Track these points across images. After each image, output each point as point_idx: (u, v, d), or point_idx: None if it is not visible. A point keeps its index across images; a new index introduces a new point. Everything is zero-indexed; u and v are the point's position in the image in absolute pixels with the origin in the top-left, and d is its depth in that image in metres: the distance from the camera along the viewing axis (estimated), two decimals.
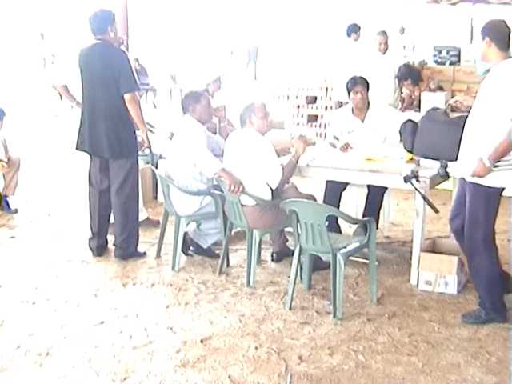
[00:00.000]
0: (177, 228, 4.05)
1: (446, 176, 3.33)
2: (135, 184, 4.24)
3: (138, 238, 4.33)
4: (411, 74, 6.35)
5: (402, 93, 6.50)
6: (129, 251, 4.28)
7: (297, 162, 3.76)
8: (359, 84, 4.39)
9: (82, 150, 4.26)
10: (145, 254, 4.35)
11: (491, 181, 3.08)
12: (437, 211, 3.50)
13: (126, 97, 4.01)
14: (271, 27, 13.78)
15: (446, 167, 3.29)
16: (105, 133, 4.08)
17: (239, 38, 14.92)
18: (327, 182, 4.46)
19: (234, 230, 4.10)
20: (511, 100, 2.97)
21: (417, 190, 3.47)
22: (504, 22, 3.13)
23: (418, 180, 3.37)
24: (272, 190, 3.74)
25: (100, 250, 4.34)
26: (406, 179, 3.45)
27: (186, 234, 4.15)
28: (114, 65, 4.00)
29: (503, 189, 3.14)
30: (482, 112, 3.09)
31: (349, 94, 4.47)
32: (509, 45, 3.13)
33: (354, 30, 6.83)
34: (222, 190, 3.92)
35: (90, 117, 4.13)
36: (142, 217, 4.72)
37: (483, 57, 3.16)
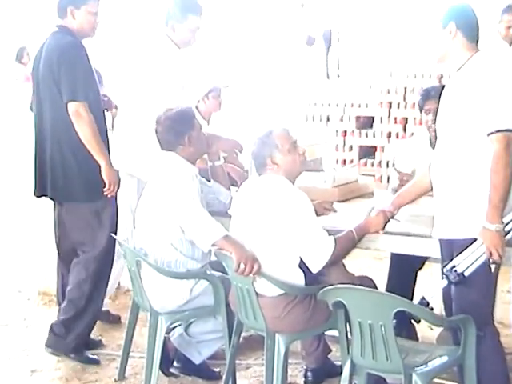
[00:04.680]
0: (153, 332, 4.08)
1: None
2: (104, 242, 4.44)
3: (90, 329, 4.54)
4: None
5: None
6: (66, 343, 4.48)
7: (359, 239, 3.82)
8: (433, 98, 4.48)
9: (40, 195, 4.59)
10: (97, 361, 4.50)
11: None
12: None
13: (69, 108, 4.28)
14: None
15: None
16: (49, 163, 4.38)
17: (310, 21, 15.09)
18: (393, 255, 4.51)
19: (243, 335, 4.14)
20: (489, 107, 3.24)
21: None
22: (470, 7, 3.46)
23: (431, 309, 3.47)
24: (305, 271, 3.78)
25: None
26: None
27: (167, 340, 4.19)
28: (55, 62, 4.30)
29: None
30: (452, 139, 3.40)
31: (420, 112, 4.64)
32: (478, 36, 3.42)
33: None
34: (224, 271, 3.98)
35: (38, 141, 4.48)
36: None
37: (442, 56, 3.45)
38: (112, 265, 4.60)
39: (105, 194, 4.40)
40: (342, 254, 3.78)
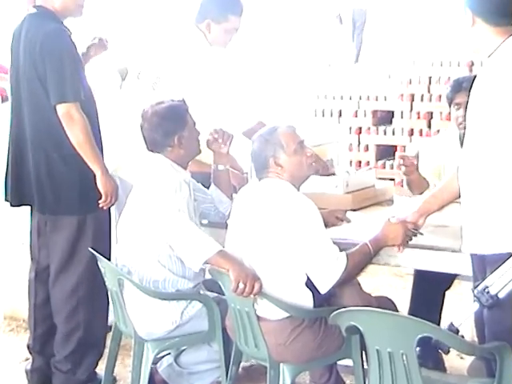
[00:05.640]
0: (138, 362, 4.09)
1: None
2: (94, 261, 4.37)
3: (98, 357, 4.57)
4: None
5: None
6: (77, 378, 4.49)
7: (375, 253, 3.81)
8: (464, 90, 4.48)
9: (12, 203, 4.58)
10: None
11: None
12: None
13: (59, 110, 4.26)
14: None
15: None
16: (33, 171, 4.38)
17: None
18: (417, 272, 4.51)
19: (243, 364, 4.16)
20: None
21: None
22: None
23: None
24: (314, 290, 3.78)
25: (38, 376, 4.62)
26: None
27: (154, 371, 4.20)
28: (37, 56, 4.26)
29: None
30: (483, 138, 3.34)
31: (450, 107, 4.68)
32: (508, 18, 3.34)
33: None
34: (220, 291, 3.98)
35: (16, 143, 4.47)
36: None
37: (473, 46, 3.45)
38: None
39: (100, 206, 4.38)
40: (355, 271, 3.77)
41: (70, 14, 4.43)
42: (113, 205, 4.48)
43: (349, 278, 3.76)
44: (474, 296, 3.29)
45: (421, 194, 4.59)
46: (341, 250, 3.74)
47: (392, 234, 3.80)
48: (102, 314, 4.61)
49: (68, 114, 4.24)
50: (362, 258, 3.77)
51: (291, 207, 3.74)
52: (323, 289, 3.72)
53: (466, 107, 4.42)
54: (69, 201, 4.39)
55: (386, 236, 3.81)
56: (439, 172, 4.68)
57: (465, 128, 4.41)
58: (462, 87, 4.53)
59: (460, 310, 3.40)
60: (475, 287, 3.31)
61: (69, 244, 4.43)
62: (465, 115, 4.38)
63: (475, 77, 4.49)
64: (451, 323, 3.26)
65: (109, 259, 4.25)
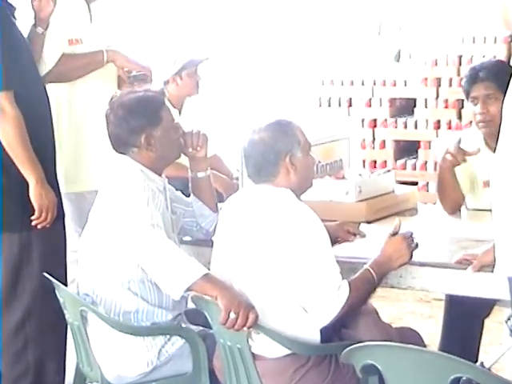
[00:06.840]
0: None
1: None
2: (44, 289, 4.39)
3: None
4: None
5: None
6: None
7: (380, 280, 3.81)
8: (481, 81, 4.59)
9: None
10: None
11: None
12: None
13: None
14: None
15: None
16: None
17: None
18: (449, 298, 4.53)
19: None
20: None
21: None
22: None
23: None
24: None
25: None
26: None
27: None
28: None
29: None
30: None
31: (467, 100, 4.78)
32: None
33: None
34: (206, 324, 3.99)
35: None
36: None
37: (504, 19, 3.35)
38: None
39: (33, 223, 4.39)
40: (358, 303, 3.78)
41: None
42: (48, 223, 4.45)
43: (348, 313, 3.74)
44: (508, 329, 3.29)
45: (453, 209, 4.59)
46: (353, 271, 3.76)
47: (395, 252, 3.82)
48: (58, 355, 4.61)
49: None
50: (367, 288, 3.78)
51: (290, 222, 3.75)
52: (319, 323, 3.74)
53: (485, 101, 4.48)
54: (7, 214, 4.39)
55: (388, 257, 3.82)
56: (474, 176, 4.67)
57: (486, 127, 4.45)
58: (479, 77, 4.56)
59: (501, 345, 3.42)
60: (509, 318, 3.31)
61: (11, 269, 4.44)
62: (484, 111, 4.43)
63: (496, 63, 4.52)
64: (481, 363, 3.26)
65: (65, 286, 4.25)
